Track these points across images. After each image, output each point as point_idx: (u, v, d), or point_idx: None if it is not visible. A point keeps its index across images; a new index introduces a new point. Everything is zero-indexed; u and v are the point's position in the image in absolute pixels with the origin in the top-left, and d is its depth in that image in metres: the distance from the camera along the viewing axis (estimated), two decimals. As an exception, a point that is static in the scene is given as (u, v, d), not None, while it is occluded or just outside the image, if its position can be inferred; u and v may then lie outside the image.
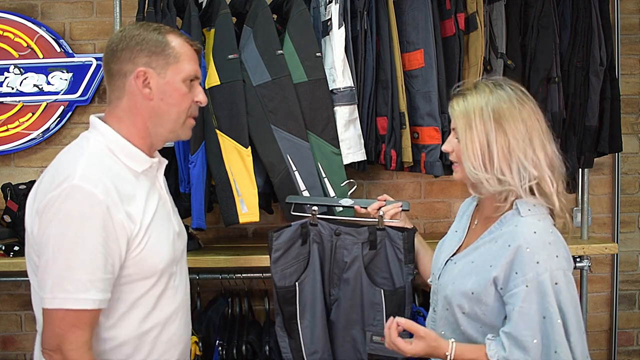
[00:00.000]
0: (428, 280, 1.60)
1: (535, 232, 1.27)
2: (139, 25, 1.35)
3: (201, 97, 1.38)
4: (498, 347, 1.28)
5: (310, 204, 1.81)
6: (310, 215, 1.77)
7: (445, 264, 1.45)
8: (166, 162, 1.43)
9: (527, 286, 1.25)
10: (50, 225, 1.17)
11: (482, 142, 1.31)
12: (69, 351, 1.17)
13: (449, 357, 1.33)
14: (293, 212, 1.83)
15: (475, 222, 1.47)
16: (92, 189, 1.18)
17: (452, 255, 1.46)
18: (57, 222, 1.16)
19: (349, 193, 1.84)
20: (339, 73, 2.00)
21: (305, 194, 1.96)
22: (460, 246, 1.47)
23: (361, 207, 1.76)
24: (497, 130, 1.30)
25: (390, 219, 1.71)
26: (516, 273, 1.27)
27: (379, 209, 1.71)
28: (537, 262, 1.25)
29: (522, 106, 1.32)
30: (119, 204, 1.21)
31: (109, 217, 1.19)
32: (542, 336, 1.25)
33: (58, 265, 1.16)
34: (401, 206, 1.71)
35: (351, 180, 1.90)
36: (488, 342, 1.31)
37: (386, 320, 1.45)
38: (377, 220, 1.72)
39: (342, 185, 1.89)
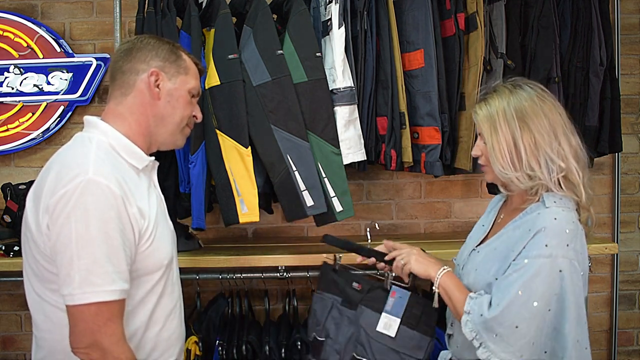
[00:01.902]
0: None
1: (555, 219, 1.30)
2: (153, 36, 1.45)
3: (198, 114, 1.48)
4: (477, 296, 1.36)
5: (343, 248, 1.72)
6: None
7: (470, 254, 1.49)
8: (158, 163, 1.45)
9: (526, 261, 1.29)
10: (69, 221, 1.16)
11: (508, 142, 1.34)
12: (110, 345, 1.18)
13: (436, 281, 1.43)
14: (327, 242, 1.73)
15: (501, 216, 1.50)
16: (108, 182, 1.19)
17: (477, 246, 1.49)
18: (76, 218, 1.16)
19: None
20: (339, 73, 2.00)
21: (306, 194, 1.96)
22: (485, 238, 1.50)
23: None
24: (521, 128, 1.33)
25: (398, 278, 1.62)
26: (524, 248, 1.30)
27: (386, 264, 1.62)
28: (546, 245, 1.28)
29: (543, 102, 1.36)
30: (131, 199, 1.23)
31: (124, 210, 1.21)
32: (507, 304, 1.27)
33: (84, 261, 1.16)
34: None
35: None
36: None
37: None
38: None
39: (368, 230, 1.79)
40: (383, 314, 1.59)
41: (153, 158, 1.41)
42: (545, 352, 1.30)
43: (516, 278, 1.29)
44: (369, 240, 1.78)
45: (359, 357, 1.64)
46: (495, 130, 1.36)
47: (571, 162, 1.34)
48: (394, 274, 1.59)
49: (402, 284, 1.60)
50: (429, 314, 1.56)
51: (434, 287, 1.45)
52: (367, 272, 1.81)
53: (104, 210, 1.18)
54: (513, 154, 1.34)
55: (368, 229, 1.81)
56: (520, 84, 1.40)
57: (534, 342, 1.28)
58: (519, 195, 1.41)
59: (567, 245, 1.28)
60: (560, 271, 1.27)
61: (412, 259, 1.51)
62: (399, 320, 1.57)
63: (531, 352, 1.29)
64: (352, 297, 1.65)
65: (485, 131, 1.38)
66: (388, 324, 1.58)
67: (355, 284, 1.68)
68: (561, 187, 1.34)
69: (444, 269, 1.45)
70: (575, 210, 1.36)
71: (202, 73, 1.50)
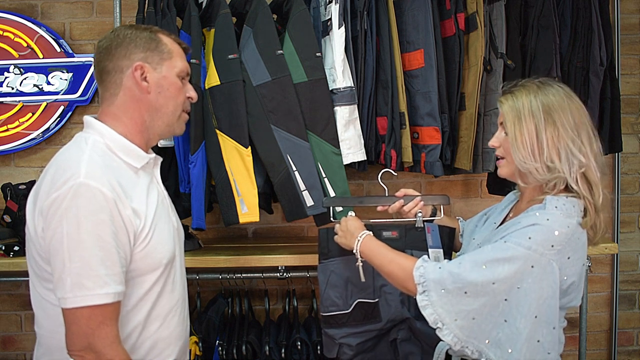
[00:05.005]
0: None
1: (548, 219, 1.29)
2: (129, 26, 1.39)
3: (192, 93, 1.42)
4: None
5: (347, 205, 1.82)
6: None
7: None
8: (161, 159, 1.44)
9: (505, 242, 1.29)
10: (61, 224, 1.16)
11: (530, 133, 1.33)
12: (103, 348, 1.17)
13: (355, 248, 1.54)
14: (332, 219, 1.84)
15: (510, 215, 1.50)
16: (99, 185, 1.19)
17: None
18: (67, 221, 1.16)
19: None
20: (339, 73, 2.00)
21: (305, 194, 1.96)
22: None
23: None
24: (546, 120, 1.33)
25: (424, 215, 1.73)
26: (509, 234, 1.31)
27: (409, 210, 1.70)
28: (529, 238, 1.27)
29: (571, 100, 1.36)
30: (125, 200, 1.22)
31: (117, 212, 1.20)
32: (469, 268, 1.29)
33: (75, 264, 1.16)
34: (421, 200, 1.69)
35: (388, 170, 1.86)
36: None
37: None
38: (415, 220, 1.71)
39: (379, 175, 1.82)
40: (430, 250, 1.65)
41: (154, 155, 1.40)
42: (487, 341, 1.29)
43: (488, 251, 1.30)
44: (386, 189, 1.77)
45: None
46: (519, 120, 1.35)
47: (591, 160, 1.33)
48: (422, 212, 1.70)
49: (428, 218, 1.73)
50: (450, 238, 1.73)
51: (357, 262, 1.55)
52: (376, 220, 1.79)
53: (95, 214, 1.17)
54: (535, 145, 1.33)
55: (380, 175, 1.77)
56: (548, 82, 1.40)
57: (474, 317, 1.28)
58: (530, 192, 1.40)
59: (552, 246, 1.27)
60: (532, 267, 1.26)
61: (338, 234, 1.63)
62: (442, 250, 1.67)
63: (469, 325, 1.29)
64: (392, 246, 1.63)
65: (509, 121, 1.37)
66: (436, 257, 1.65)
67: (386, 234, 1.73)
68: (577, 185, 1.32)
69: (362, 235, 1.53)
70: (579, 217, 1.33)
71: (188, 51, 1.45)
